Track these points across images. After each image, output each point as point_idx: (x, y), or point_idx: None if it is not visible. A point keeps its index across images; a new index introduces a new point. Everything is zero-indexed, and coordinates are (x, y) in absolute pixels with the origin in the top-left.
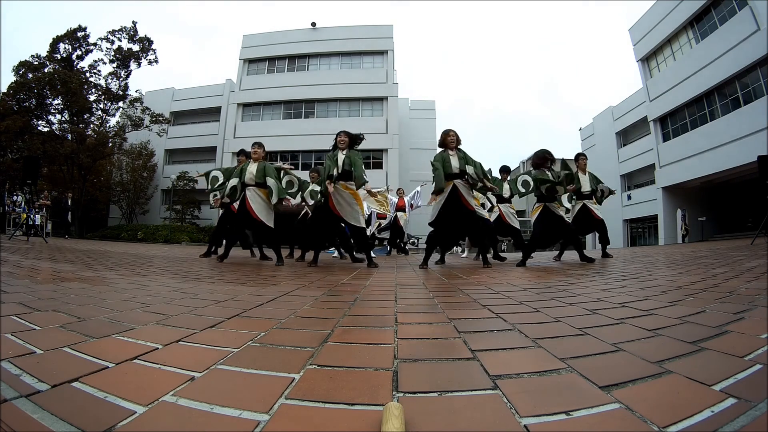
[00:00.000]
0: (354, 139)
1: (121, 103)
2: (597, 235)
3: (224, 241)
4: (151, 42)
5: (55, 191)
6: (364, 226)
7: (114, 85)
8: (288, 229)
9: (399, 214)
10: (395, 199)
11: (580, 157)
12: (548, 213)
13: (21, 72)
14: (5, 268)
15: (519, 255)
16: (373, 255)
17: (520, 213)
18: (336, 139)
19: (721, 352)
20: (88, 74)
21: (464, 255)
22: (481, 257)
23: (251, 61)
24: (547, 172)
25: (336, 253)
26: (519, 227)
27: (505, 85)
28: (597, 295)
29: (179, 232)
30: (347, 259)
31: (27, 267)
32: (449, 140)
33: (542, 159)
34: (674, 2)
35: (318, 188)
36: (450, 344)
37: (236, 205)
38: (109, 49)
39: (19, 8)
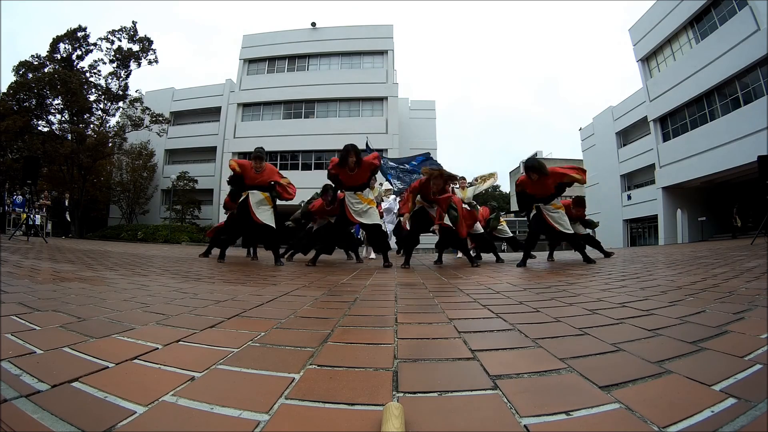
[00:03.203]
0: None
1: (121, 103)
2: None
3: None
4: (151, 42)
5: (55, 191)
6: (380, 222)
7: (114, 85)
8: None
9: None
10: (395, 207)
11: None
12: (539, 216)
13: (21, 72)
14: (5, 268)
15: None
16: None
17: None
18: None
19: (721, 352)
20: (88, 74)
21: (459, 255)
22: (467, 257)
23: (251, 61)
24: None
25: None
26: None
27: (505, 84)
28: (597, 295)
29: (179, 232)
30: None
31: (27, 267)
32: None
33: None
34: (674, 2)
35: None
36: (450, 344)
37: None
38: (109, 49)
39: (19, 8)
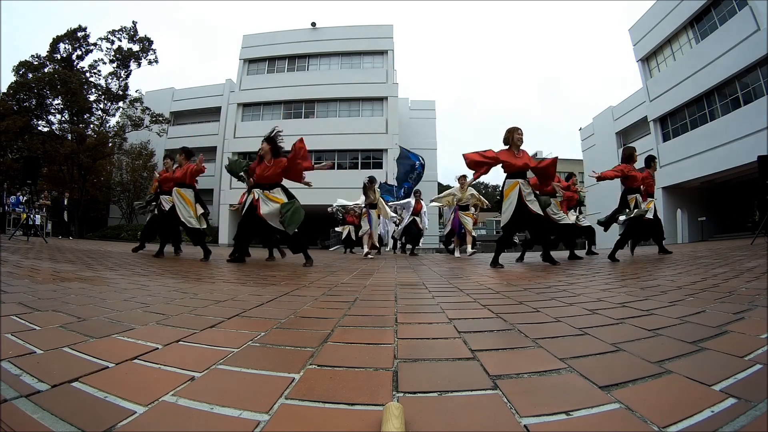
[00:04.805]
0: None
1: (121, 103)
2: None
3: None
4: (151, 42)
5: (55, 191)
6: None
7: (114, 85)
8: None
9: (416, 218)
10: (412, 202)
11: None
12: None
13: (21, 72)
14: (5, 268)
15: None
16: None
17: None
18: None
19: (721, 352)
20: (88, 74)
21: (457, 254)
22: (544, 256)
23: (251, 61)
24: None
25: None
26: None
27: (505, 84)
28: (597, 295)
29: None
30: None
31: (27, 267)
32: (517, 138)
33: (628, 156)
34: (674, 2)
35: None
36: (450, 344)
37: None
38: (109, 49)
39: (20, 8)
